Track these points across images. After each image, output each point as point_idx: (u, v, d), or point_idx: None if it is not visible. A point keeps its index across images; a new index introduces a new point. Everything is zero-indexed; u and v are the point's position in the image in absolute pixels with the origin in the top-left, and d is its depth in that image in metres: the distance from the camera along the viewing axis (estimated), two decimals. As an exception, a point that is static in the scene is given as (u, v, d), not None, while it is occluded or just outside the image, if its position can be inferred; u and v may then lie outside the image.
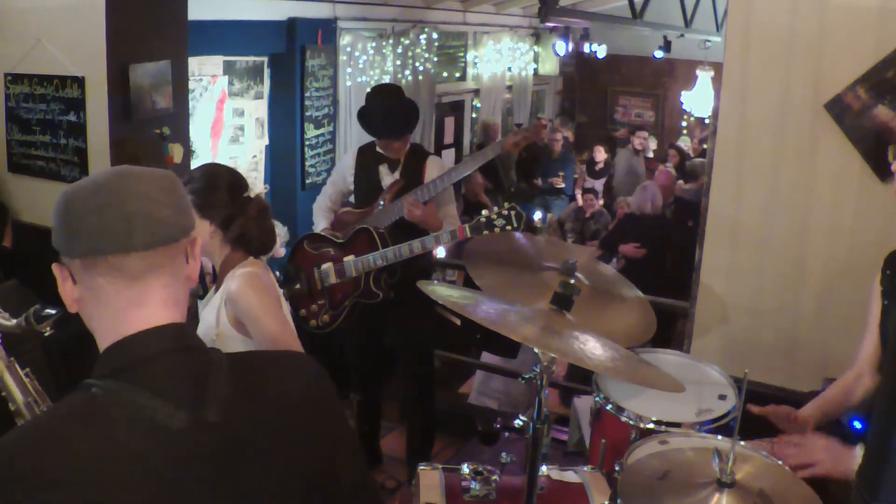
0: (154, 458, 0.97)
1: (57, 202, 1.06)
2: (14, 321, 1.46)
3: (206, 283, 2.30)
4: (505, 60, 9.34)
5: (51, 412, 1.05)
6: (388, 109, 3.32)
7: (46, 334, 1.53)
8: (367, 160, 3.43)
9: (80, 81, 3.70)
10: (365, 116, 3.37)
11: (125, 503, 0.94)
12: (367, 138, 3.51)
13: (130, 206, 1.03)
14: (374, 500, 1.31)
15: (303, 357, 1.21)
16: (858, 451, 1.75)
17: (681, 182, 7.65)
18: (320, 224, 3.51)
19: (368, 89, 3.61)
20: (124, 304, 1.04)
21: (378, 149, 3.39)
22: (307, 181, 5.98)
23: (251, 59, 5.55)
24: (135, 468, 0.96)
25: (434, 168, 3.36)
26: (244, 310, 1.99)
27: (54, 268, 1.08)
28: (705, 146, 8.29)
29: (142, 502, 0.95)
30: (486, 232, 3.00)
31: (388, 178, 3.38)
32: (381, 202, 3.33)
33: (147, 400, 0.99)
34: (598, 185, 8.87)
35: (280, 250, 4.09)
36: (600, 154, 9.22)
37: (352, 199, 3.58)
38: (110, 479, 0.94)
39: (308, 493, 1.09)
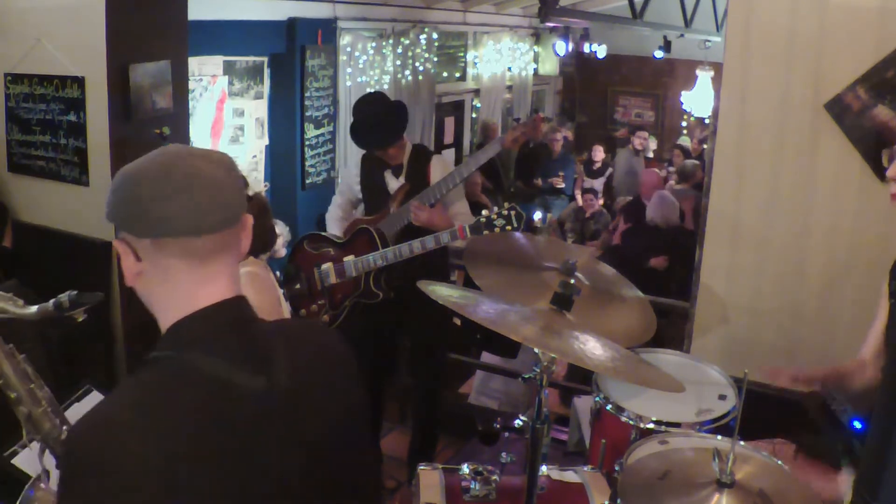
0: (237, 419, 1.06)
1: (121, 185, 1.10)
2: (34, 308, 1.41)
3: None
4: (505, 60, 9.34)
5: (129, 387, 1.10)
6: (372, 120, 3.29)
7: (80, 320, 1.51)
8: (371, 167, 3.43)
9: (80, 81, 3.70)
10: (354, 131, 3.36)
11: (214, 460, 1.02)
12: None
13: (202, 192, 1.08)
14: (377, 454, 1.41)
15: (325, 326, 1.30)
16: (845, 475, 1.76)
17: (671, 182, 7.66)
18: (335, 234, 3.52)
19: (370, 89, 3.61)
20: (194, 282, 1.11)
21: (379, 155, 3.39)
22: (307, 181, 5.98)
23: (251, 59, 5.55)
24: (223, 429, 1.04)
25: (438, 167, 3.35)
26: None
27: (115, 243, 1.12)
28: (705, 146, 8.30)
29: (230, 459, 1.04)
30: (486, 232, 3.00)
31: (393, 182, 3.37)
32: (391, 208, 3.33)
33: (224, 367, 1.07)
34: (598, 184, 8.86)
35: (281, 250, 4.09)
36: (599, 153, 9.22)
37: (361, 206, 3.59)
38: (200, 441, 1.01)
39: (340, 441, 1.21)
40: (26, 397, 1.42)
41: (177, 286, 1.10)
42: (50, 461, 1.44)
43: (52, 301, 1.42)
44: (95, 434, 1.00)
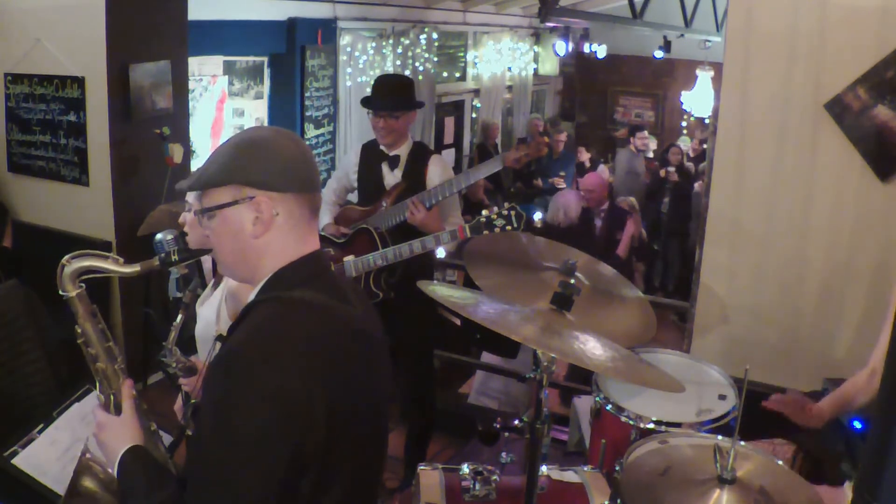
0: (342, 337, 1.32)
1: (266, 147, 1.31)
2: (138, 266, 1.46)
3: (205, 280, 2.31)
4: (505, 60, 9.34)
5: (264, 318, 1.28)
6: (387, 86, 3.38)
7: (181, 274, 1.61)
8: (369, 157, 3.43)
9: (80, 81, 3.70)
10: (366, 98, 3.39)
11: (336, 376, 1.26)
12: (368, 137, 3.51)
13: (313, 159, 1.39)
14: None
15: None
16: (846, 490, 1.77)
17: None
18: (324, 218, 3.51)
19: (370, 89, 3.62)
20: (307, 231, 1.36)
21: (381, 146, 3.38)
22: (307, 181, 5.98)
23: (251, 59, 5.55)
24: (334, 349, 1.29)
25: (436, 168, 3.34)
26: (243, 304, 1.99)
27: (259, 199, 1.29)
28: (706, 146, 8.28)
29: (343, 369, 1.28)
30: (486, 232, 3.00)
31: (389, 176, 3.37)
32: (384, 203, 3.32)
33: (330, 301, 1.32)
34: (595, 184, 8.91)
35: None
36: (582, 154, 9.47)
37: (354, 195, 3.59)
38: (325, 353, 1.26)
39: (388, 388, 1.49)
40: (103, 354, 1.50)
41: (297, 233, 1.34)
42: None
43: (155, 257, 1.48)
44: (256, 347, 1.22)
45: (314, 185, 1.36)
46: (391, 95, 3.31)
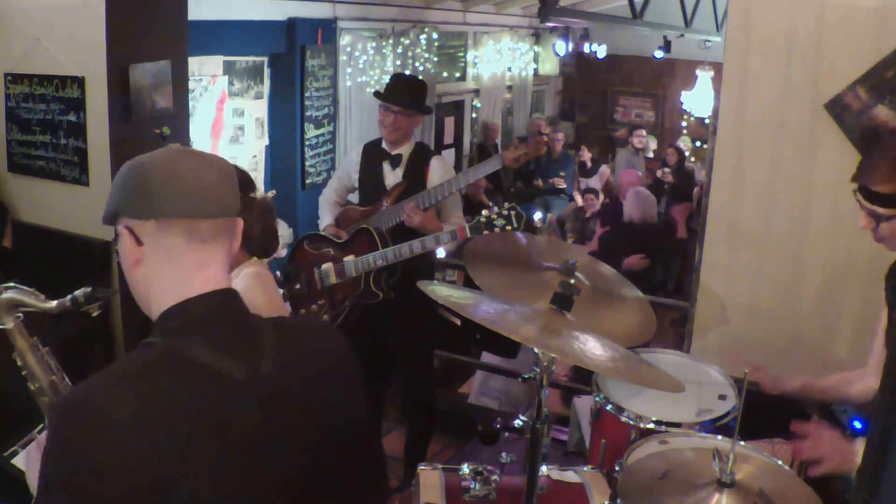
0: (217, 405, 1.08)
1: (128, 171, 1.17)
2: (54, 303, 1.45)
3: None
4: (505, 60, 9.34)
5: (121, 367, 1.13)
6: (402, 81, 3.47)
7: (94, 315, 1.57)
8: (371, 157, 3.44)
9: (80, 81, 3.70)
10: (379, 92, 3.45)
11: (191, 447, 1.04)
12: (368, 137, 3.52)
13: (205, 179, 1.16)
14: (380, 452, 1.45)
15: (325, 323, 1.30)
16: (860, 446, 1.76)
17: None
18: (325, 218, 3.52)
19: (370, 89, 3.65)
20: (192, 264, 1.16)
21: (383, 144, 3.38)
22: (307, 181, 5.98)
23: (251, 59, 5.55)
24: (199, 415, 1.06)
25: (437, 169, 3.35)
26: (254, 308, 1.99)
27: (119, 229, 1.18)
28: (705, 146, 8.27)
29: (206, 446, 1.05)
30: (486, 232, 3.00)
31: (390, 175, 3.37)
32: (385, 203, 3.33)
33: (211, 354, 1.10)
34: (595, 182, 8.87)
35: (281, 251, 4.09)
36: (584, 153, 9.47)
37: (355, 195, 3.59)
38: (176, 426, 1.04)
39: (335, 436, 1.22)
40: (48, 388, 1.47)
41: (176, 267, 1.15)
42: None
43: (69, 297, 1.46)
44: (79, 419, 1.03)
45: (197, 210, 1.14)
46: (406, 91, 3.33)
